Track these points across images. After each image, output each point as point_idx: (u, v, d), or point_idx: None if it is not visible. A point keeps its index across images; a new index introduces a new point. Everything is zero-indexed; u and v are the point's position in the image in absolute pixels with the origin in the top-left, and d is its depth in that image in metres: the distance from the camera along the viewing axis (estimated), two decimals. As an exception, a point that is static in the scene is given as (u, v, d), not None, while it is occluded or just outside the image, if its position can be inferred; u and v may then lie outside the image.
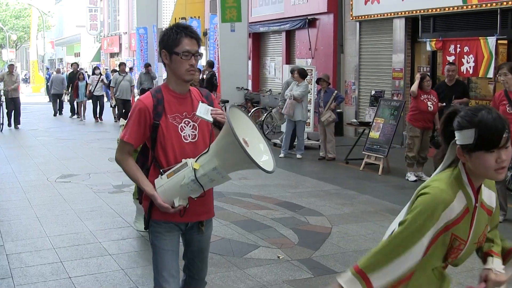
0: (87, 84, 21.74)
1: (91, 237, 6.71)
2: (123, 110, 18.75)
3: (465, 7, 12.12)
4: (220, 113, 3.33)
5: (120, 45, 40.67)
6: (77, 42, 50.86)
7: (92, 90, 21.07)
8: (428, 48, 12.85)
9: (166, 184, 3.27)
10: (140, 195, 3.55)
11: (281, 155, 12.61)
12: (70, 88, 23.14)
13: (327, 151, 12.41)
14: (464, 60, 11.77)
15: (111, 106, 21.61)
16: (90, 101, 21.48)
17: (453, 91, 10.22)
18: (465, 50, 11.76)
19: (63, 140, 15.91)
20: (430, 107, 9.88)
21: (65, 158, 12.67)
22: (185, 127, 3.37)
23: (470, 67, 11.67)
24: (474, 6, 11.90)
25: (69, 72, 28.20)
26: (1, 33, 57.12)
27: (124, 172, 3.44)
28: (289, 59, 19.44)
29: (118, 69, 20.71)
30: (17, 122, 18.83)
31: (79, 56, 50.38)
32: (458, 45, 11.92)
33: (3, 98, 18.50)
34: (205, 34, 22.88)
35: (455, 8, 12.34)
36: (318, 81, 12.82)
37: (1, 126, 18.06)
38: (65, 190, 9.21)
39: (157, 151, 3.37)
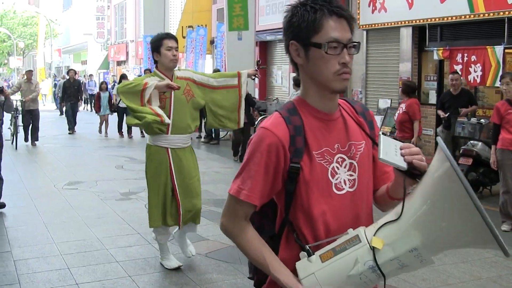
0: (110, 95, 19.23)
1: (98, 244, 6.71)
2: None
3: (472, 16, 12.11)
4: (417, 152, 1.93)
5: (127, 53, 40.78)
6: (84, 50, 51.01)
7: (117, 103, 18.33)
8: (435, 57, 12.84)
9: (321, 273, 1.96)
10: (257, 274, 2.30)
11: None
12: (65, 98, 20.23)
13: None
14: (471, 69, 11.75)
15: None
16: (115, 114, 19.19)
17: (458, 100, 10.22)
18: (472, 59, 11.74)
19: (70, 147, 15.96)
20: (395, 117, 10.02)
21: (72, 165, 12.70)
22: (338, 168, 2.10)
23: (477, 76, 11.65)
24: (481, 15, 11.89)
25: (64, 80, 23.65)
26: (9, 41, 57.33)
27: (238, 247, 2.18)
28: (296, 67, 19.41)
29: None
30: (34, 138, 16.06)
31: (86, 64, 50.52)
32: (466, 54, 11.91)
33: (19, 110, 15.90)
34: (212, 42, 22.93)
35: (463, 17, 12.32)
36: None
37: (15, 142, 15.28)
38: (72, 197, 9.22)
39: (296, 214, 2.08)
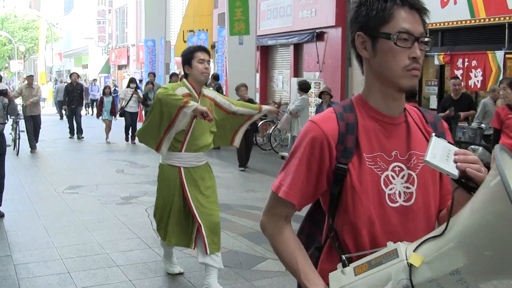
0: (113, 100, 18.80)
1: (98, 248, 6.70)
2: None
3: (473, 21, 12.12)
4: (474, 160, 1.73)
5: (128, 57, 40.82)
6: (85, 54, 51.09)
7: (124, 106, 17.67)
8: (436, 62, 12.86)
9: (352, 287, 1.76)
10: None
11: None
12: (68, 102, 19.54)
13: None
14: (472, 74, 11.77)
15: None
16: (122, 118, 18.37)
17: (459, 104, 10.23)
18: (473, 64, 11.76)
19: (70, 151, 15.96)
20: None
21: (72, 169, 12.70)
22: (393, 178, 1.88)
23: (478, 81, 11.67)
24: (482, 20, 11.91)
25: (66, 84, 23.81)
26: (10, 45, 57.46)
27: (274, 250, 2.03)
28: (297, 72, 19.46)
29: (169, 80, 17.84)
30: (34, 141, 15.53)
31: (87, 68, 50.61)
32: (466, 59, 11.93)
33: (21, 115, 15.10)
34: (213, 47, 22.95)
35: (463, 22, 12.34)
36: (321, 94, 12.60)
37: (17, 148, 14.87)
38: (72, 201, 9.22)
39: (340, 221, 1.90)
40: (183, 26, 24.02)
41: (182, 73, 5.38)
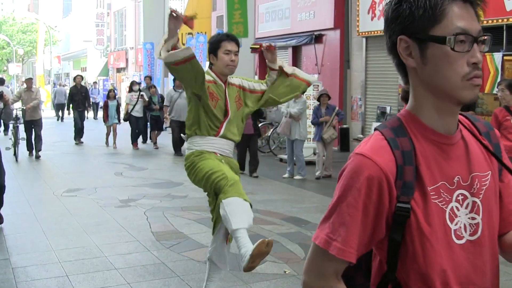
0: (119, 104, 18.11)
1: (97, 251, 6.70)
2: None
3: (471, 23, 12.12)
4: None
5: (127, 60, 40.81)
6: (84, 56, 51.10)
7: (130, 111, 17.08)
8: (435, 64, 12.86)
9: None
10: None
11: (286, 175, 12.15)
12: (74, 105, 19.10)
13: (325, 167, 12.17)
14: (470, 76, 11.77)
15: (164, 128, 17.73)
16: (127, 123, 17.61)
17: None
18: (471, 66, 11.76)
19: (69, 154, 15.95)
20: None
21: (71, 172, 12.70)
22: (458, 209, 1.57)
23: (476, 83, 11.67)
24: (480, 22, 11.90)
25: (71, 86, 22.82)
26: (8, 48, 57.40)
27: None
28: (295, 74, 19.44)
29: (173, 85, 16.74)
30: (37, 149, 14.92)
31: (86, 70, 50.60)
32: (464, 61, 11.93)
33: (21, 119, 14.58)
34: (211, 49, 22.94)
35: (462, 24, 12.34)
36: (319, 97, 12.39)
37: (16, 153, 14.33)
38: (71, 204, 9.21)
39: (405, 271, 1.56)
40: (181, 29, 23.96)
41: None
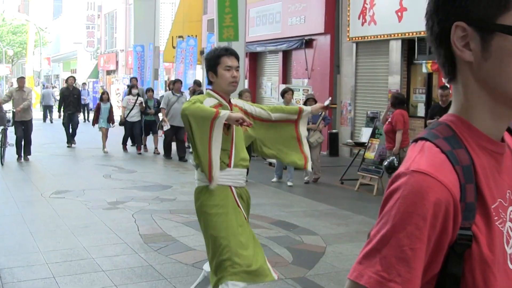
0: (111, 107, 17.21)
1: (84, 253, 6.67)
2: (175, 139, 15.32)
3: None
4: None
5: (117, 62, 40.78)
6: (74, 58, 50.99)
7: (126, 115, 16.52)
8: (424, 70, 12.93)
9: None
10: None
11: (274, 179, 12.10)
12: (62, 107, 18.50)
13: (314, 171, 12.10)
14: (459, 83, 11.84)
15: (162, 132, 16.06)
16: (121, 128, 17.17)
17: (446, 112, 10.30)
18: (460, 73, 11.83)
19: (57, 156, 15.88)
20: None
21: (59, 174, 12.65)
22: (511, 230, 1.29)
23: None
24: None
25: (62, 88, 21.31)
26: (-2, 49, 57.25)
27: None
28: (285, 79, 19.50)
29: (172, 87, 16.07)
30: (27, 151, 14.52)
31: (76, 72, 50.46)
32: (454, 68, 11.99)
33: (11, 121, 14.04)
34: (202, 53, 22.94)
35: (451, 31, 12.41)
36: (306, 101, 12.29)
37: (3, 158, 13.81)
38: (59, 206, 9.17)
39: None
40: (172, 32, 24.01)
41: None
